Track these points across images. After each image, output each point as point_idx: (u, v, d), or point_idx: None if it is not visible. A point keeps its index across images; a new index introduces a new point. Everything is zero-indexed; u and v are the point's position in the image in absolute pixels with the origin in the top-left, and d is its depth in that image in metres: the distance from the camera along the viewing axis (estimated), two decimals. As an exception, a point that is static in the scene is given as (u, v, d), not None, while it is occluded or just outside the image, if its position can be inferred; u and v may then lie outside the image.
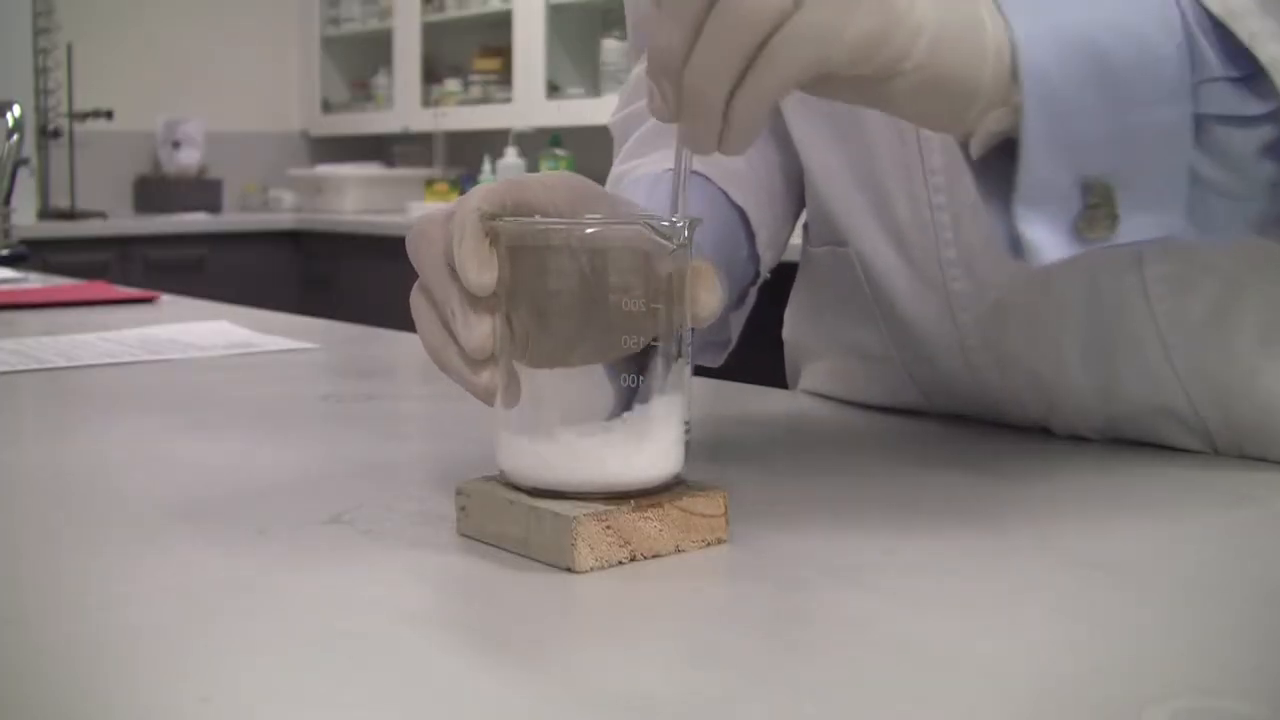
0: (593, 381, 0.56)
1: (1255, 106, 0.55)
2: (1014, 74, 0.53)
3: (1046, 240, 0.55)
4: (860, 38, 0.50)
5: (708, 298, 0.57)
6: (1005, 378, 0.78)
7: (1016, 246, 0.55)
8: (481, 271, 0.55)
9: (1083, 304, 0.73)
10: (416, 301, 0.59)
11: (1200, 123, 0.55)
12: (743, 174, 0.80)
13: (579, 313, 0.56)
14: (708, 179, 0.78)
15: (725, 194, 0.78)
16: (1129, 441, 0.76)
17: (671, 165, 0.78)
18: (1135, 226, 0.55)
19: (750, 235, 0.79)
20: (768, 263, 0.82)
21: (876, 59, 0.51)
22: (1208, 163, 0.55)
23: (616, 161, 0.84)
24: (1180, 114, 0.54)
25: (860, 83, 0.52)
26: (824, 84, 0.52)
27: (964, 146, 0.57)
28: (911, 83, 0.52)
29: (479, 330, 0.56)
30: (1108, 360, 0.73)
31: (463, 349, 0.57)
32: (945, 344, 0.79)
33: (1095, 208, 0.55)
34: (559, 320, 0.56)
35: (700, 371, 0.78)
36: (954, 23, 0.52)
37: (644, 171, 0.79)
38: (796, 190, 0.86)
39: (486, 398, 0.58)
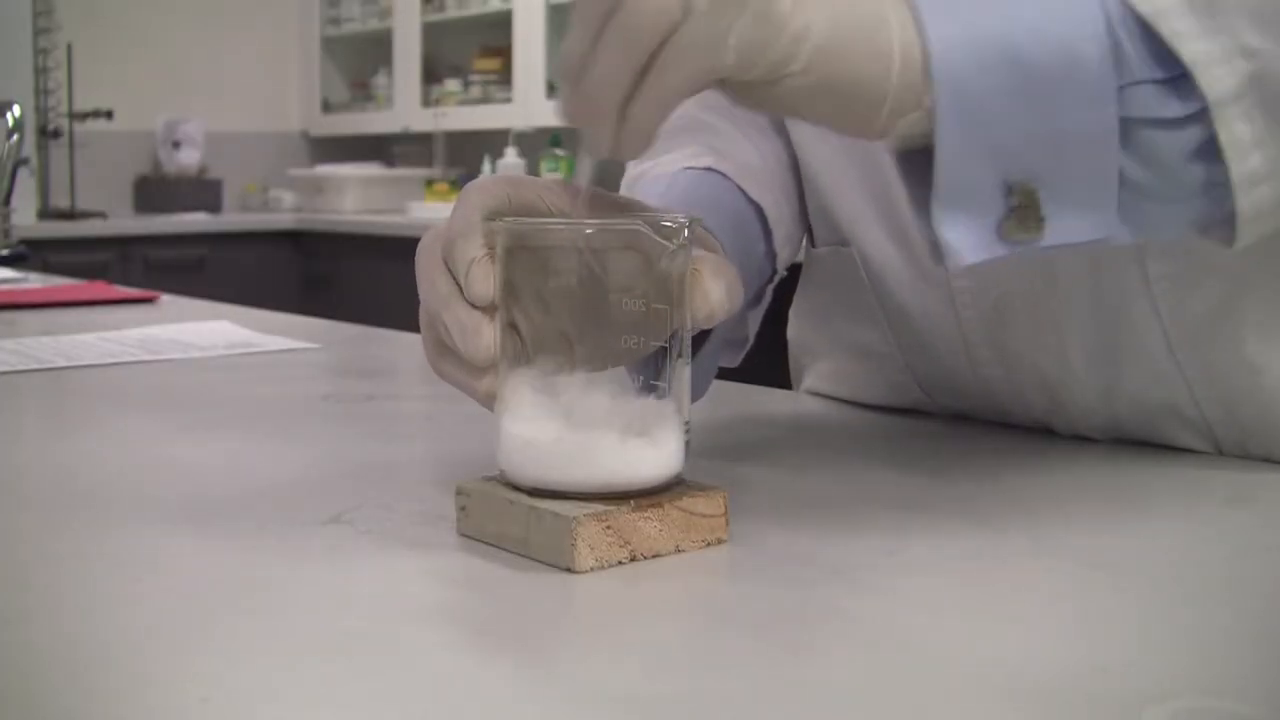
0: (593, 382, 0.56)
1: (1179, 108, 0.54)
2: (926, 76, 0.53)
3: (966, 242, 0.54)
4: (743, 45, 0.51)
5: (705, 299, 0.57)
6: (1008, 375, 0.78)
7: (937, 249, 0.55)
8: (482, 282, 0.56)
9: (1086, 301, 0.73)
10: (421, 312, 0.60)
11: (1126, 126, 0.54)
12: (759, 171, 0.81)
13: (579, 313, 0.56)
14: (725, 176, 0.78)
15: (743, 191, 0.78)
16: (1132, 441, 0.76)
17: (686, 164, 0.78)
18: (1064, 229, 0.55)
19: (767, 232, 0.79)
20: (784, 260, 0.82)
21: (760, 64, 0.52)
22: (1135, 166, 0.54)
23: (630, 166, 0.84)
24: (1105, 117, 0.53)
25: (755, 88, 0.53)
26: (729, 92, 0.54)
27: (895, 148, 0.57)
28: (802, 86, 0.52)
29: (480, 341, 0.56)
30: (1111, 358, 0.73)
31: (464, 358, 0.57)
32: (948, 341, 0.79)
33: (1021, 210, 0.54)
34: (559, 320, 0.56)
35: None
36: (850, 26, 0.52)
37: (660, 171, 0.79)
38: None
39: (488, 403, 0.58)
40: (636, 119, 0.52)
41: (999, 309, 0.76)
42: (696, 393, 0.75)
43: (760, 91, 0.53)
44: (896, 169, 0.57)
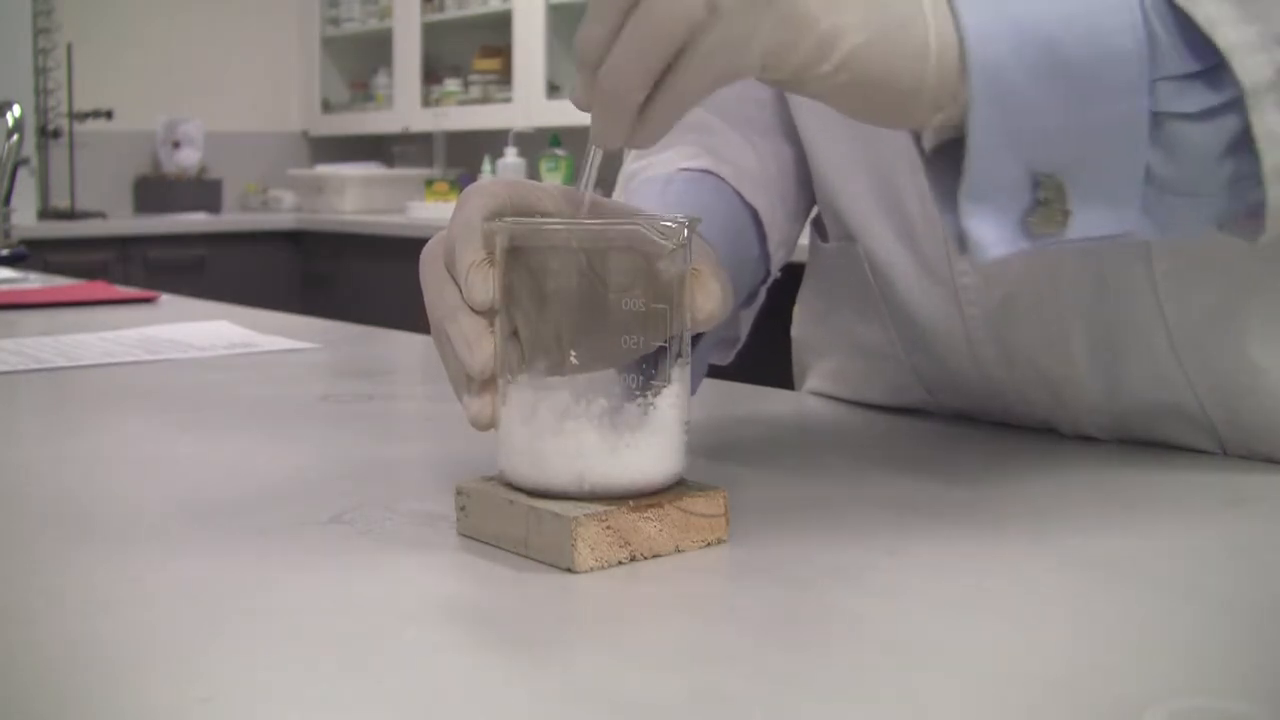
0: (592, 382, 0.56)
1: (1212, 99, 0.54)
2: (962, 67, 0.53)
3: (992, 236, 0.54)
4: (768, 47, 0.51)
5: (705, 300, 0.57)
6: (1012, 374, 0.78)
7: (962, 243, 0.55)
8: (481, 286, 0.56)
9: (1090, 299, 0.73)
10: (430, 321, 0.60)
11: (1157, 120, 0.54)
12: (756, 173, 0.81)
13: (579, 313, 0.56)
14: (721, 178, 0.78)
15: (739, 194, 0.78)
16: (1136, 441, 0.76)
17: (682, 165, 0.78)
18: (1088, 222, 0.55)
19: (762, 235, 0.79)
20: (778, 261, 0.82)
21: (787, 67, 0.52)
22: (1164, 160, 0.54)
23: (627, 160, 0.84)
24: (1136, 110, 0.53)
25: (787, 87, 0.53)
26: (762, 80, 0.53)
27: (919, 142, 0.57)
28: (833, 85, 0.52)
29: (482, 352, 0.56)
30: (1115, 356, 0.73)
31: (466, 369, 0.57)
32: (952, 339, 0.80)
33: (1046, 203, 0.54)
34: (559, 320, 0.56)
35: (707, 372, 0.78)
36: (883, 24, 0.52)
37: (654, 173, 0.79)
38: (807, 188, 0.86)
39: (478, 424, 0.58)
40: (655, 116, 0.52)
41: (1004, 307, 0.76)
42: (694, 385, 0.75)
43: (794, 88, 0.53)
44: (922, 165, 0.57)
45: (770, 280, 0.82)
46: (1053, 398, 0.77)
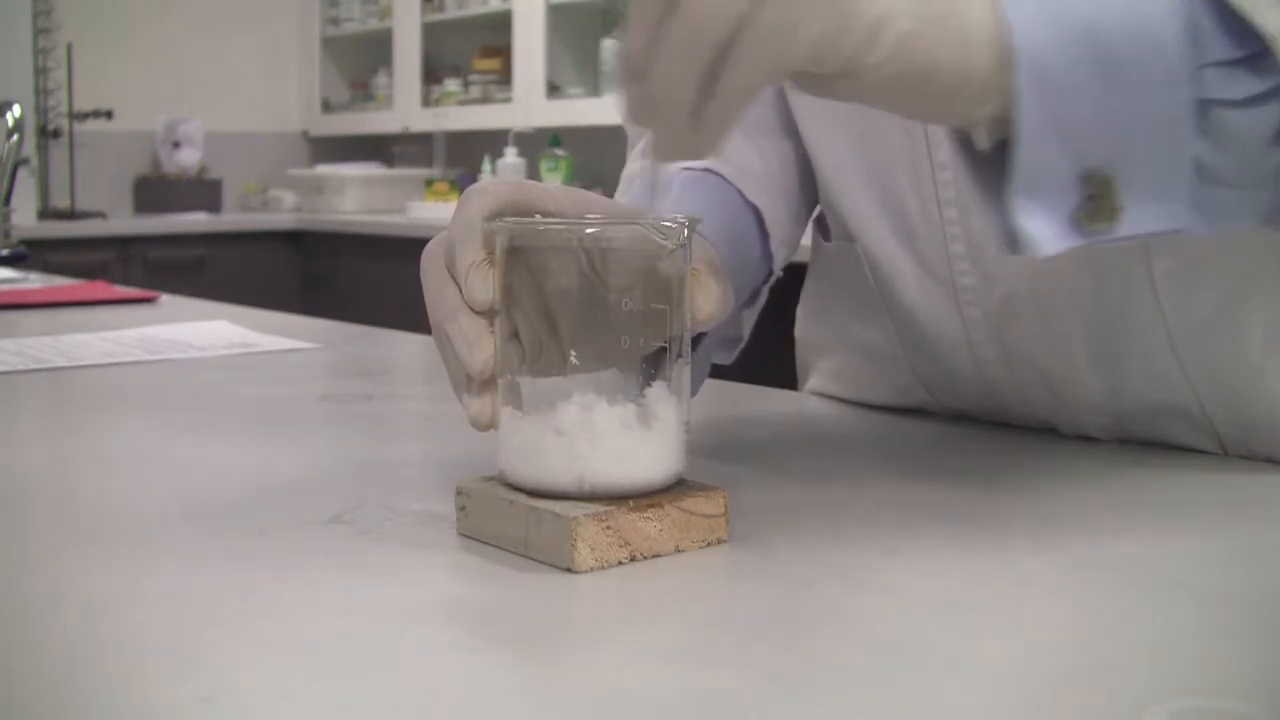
0: (593, 382, 0.56)
1: (1256, 85, 0.53)
2: (1007, 58, 0.52)
3: (1045, 232, 0.53)
4: (816, 36, 0.49)
5: (705, 300, 0.57)
6: (1012, 373, 0.78)
7: (1013, 242, 0.54)
8: (481, 286, 0.56)
9: (1090, 299, 0.73)
10: (431, 321, 0.60)
11: (1203, 108, 0.53)
12: (758, 172, 0.81)
13: (579, 313, 0.56)
14: (723, 178, 0.78)
15: (741, 193, 0.78)
16: (1136, 441, 0.76)
17: (685, 165, 0.78)
18: (1138, 218, 0.54)
19: (764, 234, 0.79)
20: (780, 261, 0.82)
21: (836, 57, 0.50)
22: (1212, 150, 0.54)
23: (630, 159, 0.84)
24: (1181, 99, 0.53)
25: (833, 80, 0.52)
26: (801, 83, 0.52)
27: (960, 141, 0.56)
28: (882, 77, 0.51)
29: (482, 352, 0.56)
30: (1115, 356, 0.73)
31: (466, 369, 0.57)
32: (952, 339, 0.80)
33: (1095, 199, 0.53)
34: (558, 320, 0.56)
35: (711, 372, 0.78)
36: (929, 14, 0.51)
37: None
38: (810, 188, 0.86)
39: (478, 424, 0.58)
40: (711, 120, 0.50)
41: (1004, 307, 0.76)
42: (691, 390, 0.75)
43: (834, 84, 0.52)
44: (963, 160, 0.56)
45: (773, 280, 0.82)
46: (1053, 398, 0.77)
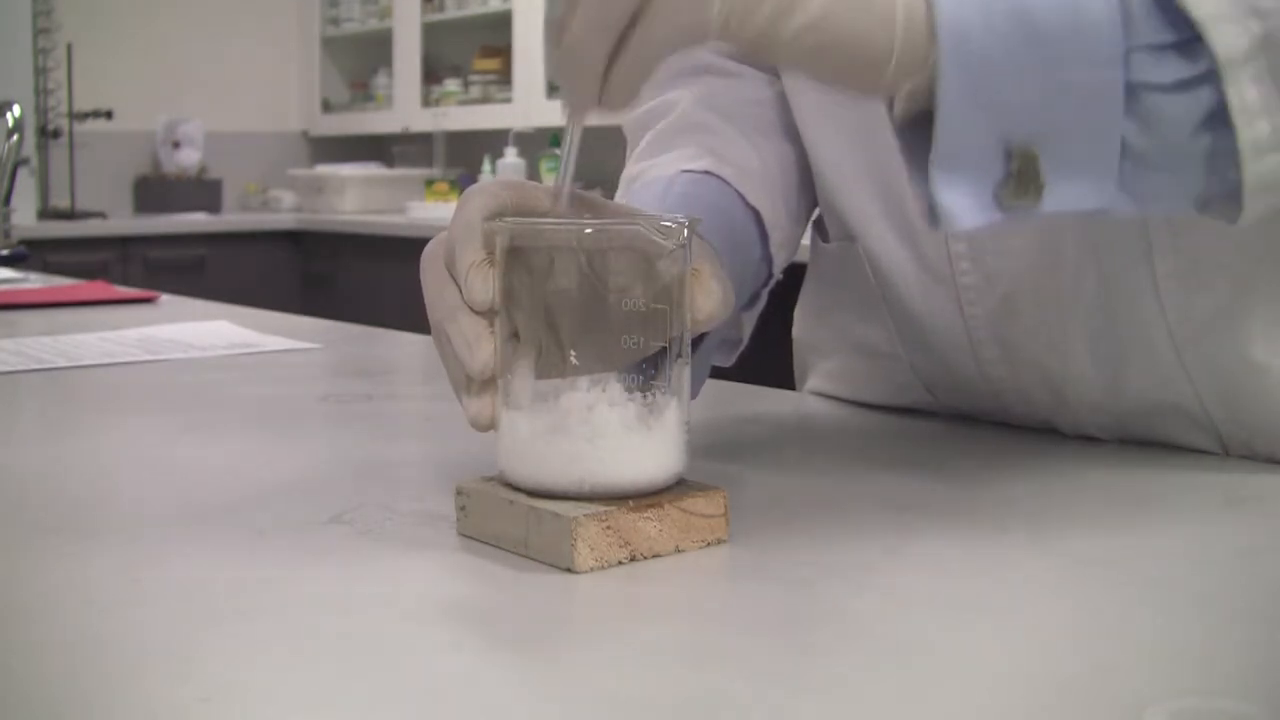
0: (593, 382, 0.56)
1: (1187, 70, 0.53)
2: (930, 31, 0.52)
3: (963, 206, 0.53)
4: (731, 7, 0.51)
5: (705, 301, 0.57)
6: (1013, 373, 0.78)
7: (933, 215, 0.54)
8: (481, 286, 0.56)
9: (1092, 298, 0.73)
10: (430, 321, 0.60)
11: (1132, 91, 0.53)
12: (758, 174, 0.80)
13: (579, 313, 0.56)
14: (723, 180, 0.78)
15: (741, 195, 0.78)
16: (1137, 441, 0.76)
17: (684, 166, 0.78)
18: (1062, 196, 0.54)
19: (764, 236, 0.79)
20: (780, 263, 0.82)
21: (750, 28, 0.51)
22: (1139, 132, 0.54)
23: (629, 162, 0.84)
24: (1110, 79, 0.53)
25: (752, 47, 0.53)
26: (725, 41, 0.53)
27: (895, 113, 0.56)
28: (802, 47, 0.52)
29: (481, 354, 0.56)
30: (1116, 356, 0.73)
31: (466, 369, 0.57)
32: (953, 339, 0.79)
33: (1019, 175, 0.53)
34: (559, 321, 0.56)
35: (710, 373, 0.78)
36: None
37: (656, 174, 0.79)
38: (809, 189, 0.86)
39: (477, 425, 0.58)
40: (620, 77, 0.52)
41: (1005, 306, 0.76)
42: (691, 392, 0.75)
43: (755, 51, 0.53)
44: (895, 136, 0.56)
45: (772, 282, 0.82)
46: (1054, 397, 0.77)
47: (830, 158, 0.82)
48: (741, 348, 0.82)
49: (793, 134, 0.84)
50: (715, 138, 0.81)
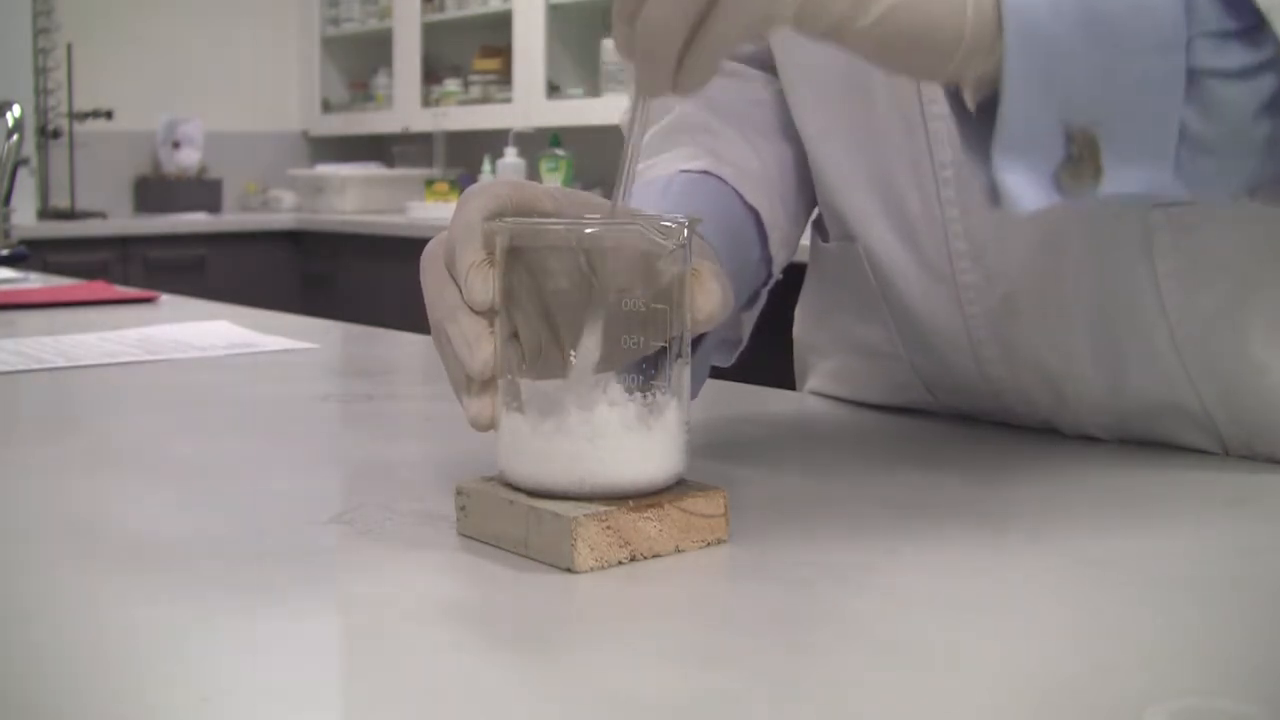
0: (593, 382, 0.56)
1: (1249, 57, 0.54)
2: (998, 16, 0.53)
3: (1025, 188, 0.54)
4: None
5: (705, 301, 0.57)
6: (1014, 373, 0.78)
7: (996, 197, 0.55)
8: (481, 287, 0.56)
9: (1093, 298, 0.73)
10: (430, 321, 0.60)
11: (1193, 77, 0.54)
12: (757, 174, 0.80)
13: (579, 313, 0.56)
14: (722, 180, 0.78)
15: (740, 195, 0.78)
16: (1138, 441, 0.76)
17: (683, 166, 0.78)
18: (1119, 179, 0.54)
19: (763, 236, 0.79)
20: (780, 263, 0.82)
21: (824, 18, 0.52)
22: (1198, 118, 0.54)
23: (636, 165, 0.84)
24: (1172, 65, 0.53)
25: (823, 36, 0.53)
26: (799, 31, 0.53)
27: (952, 96, 0.57)
28: (875, 36, 0.52)
29: (481, 354, 0.56)
30: (1117, 355, 0.73)
31: (466, 369, 0.57)
32: (953, 338, 0.79)
33: (1079, 158, 0.54)
34: (559, 321, 0.56)
35: (710, 373, 0.78)
36: None
37: (657, 174, 0.79)
38: (808, 189, 0.86)
39: (477, 425, 0.58)
40: (695, 63, 0.52)
41: (1005, 306, 0.76)
42: (691, 392, 0.75)
43: (825, 39, 0.53)
44: (954, 116, 0.57)
45: (772, 282, 0.82)
46: (1055, 397, 0.77)
47: (831, 157, 0.82)
48: (741, 347, 0.82)
49: (791, 134, 0.84)
50: (714, 138, 0.81)
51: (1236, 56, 0.54)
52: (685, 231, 0.56)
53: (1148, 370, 0.73)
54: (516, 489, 0.56)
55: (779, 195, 0.82)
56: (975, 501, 0.66)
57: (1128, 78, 0.53)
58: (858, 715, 0.40)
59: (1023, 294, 0.75)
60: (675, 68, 0.52)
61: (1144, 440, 0.76)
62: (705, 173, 0.78)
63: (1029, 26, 0.52)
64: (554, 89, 4.01)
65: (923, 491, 0.68)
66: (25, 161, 3.29)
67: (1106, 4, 0.53)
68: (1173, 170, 0.55)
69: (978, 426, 0.83)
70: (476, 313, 0.57)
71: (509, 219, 0.57)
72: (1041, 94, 0.53)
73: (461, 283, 0.56)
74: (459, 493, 0.58)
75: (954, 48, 0.53)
